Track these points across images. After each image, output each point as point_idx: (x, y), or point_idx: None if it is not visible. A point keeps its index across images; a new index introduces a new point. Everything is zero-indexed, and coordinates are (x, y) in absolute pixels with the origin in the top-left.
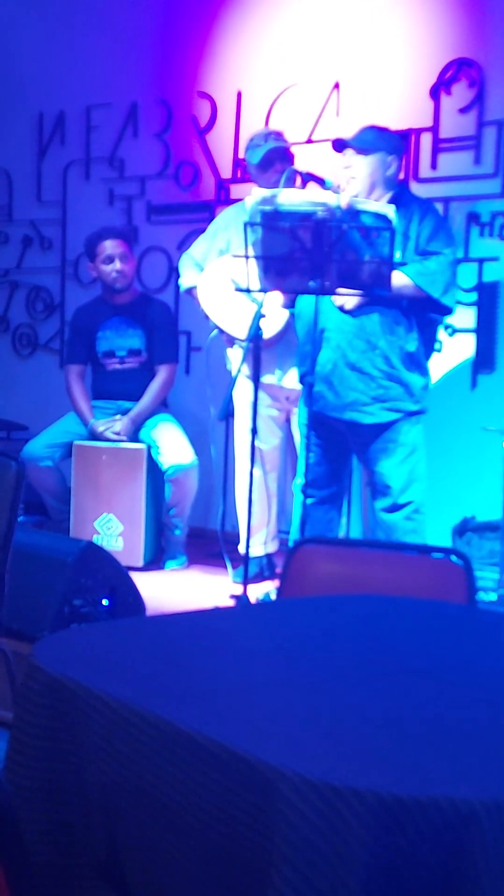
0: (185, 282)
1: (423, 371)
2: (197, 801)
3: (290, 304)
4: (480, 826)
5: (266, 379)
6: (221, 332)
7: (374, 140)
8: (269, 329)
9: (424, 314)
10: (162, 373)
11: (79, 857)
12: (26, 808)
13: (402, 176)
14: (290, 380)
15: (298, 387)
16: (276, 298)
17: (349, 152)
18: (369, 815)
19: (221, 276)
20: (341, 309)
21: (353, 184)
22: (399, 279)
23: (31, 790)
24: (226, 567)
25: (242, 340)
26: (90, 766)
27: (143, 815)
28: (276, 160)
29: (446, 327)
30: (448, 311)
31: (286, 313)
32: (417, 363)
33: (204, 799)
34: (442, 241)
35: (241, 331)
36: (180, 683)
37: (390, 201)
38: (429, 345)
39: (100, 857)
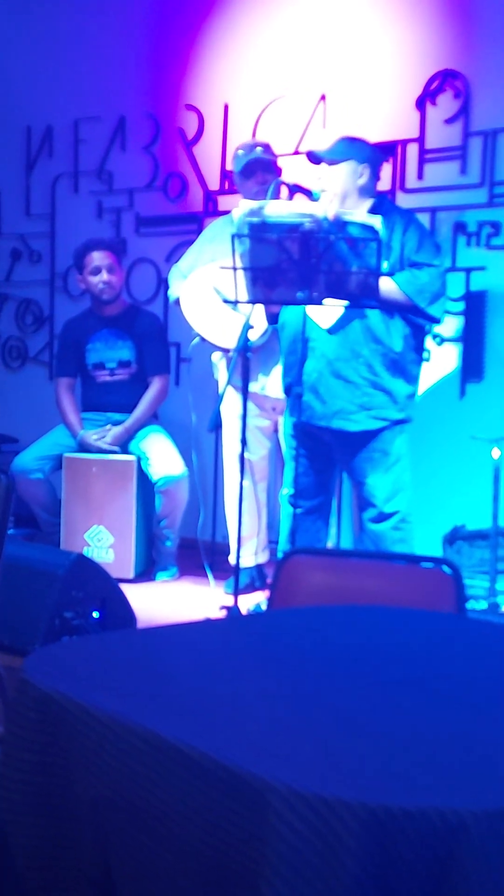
0: (173, 293)
1: (409, 378)
2: (187, 814)
3: (274, 320)
4: (470, 836)
5: (250, 388)
6: (203, 340)
7: (344, 150)
8: (252, 336)
9: (410, 321)
10: (155, 384)
11: (69, 870)
12: (16, 822)
13: (384, 186)
14: (273, 388)
15: (283, 396)
16: (258, 311)
17: (322, 164)
18: (359, 826)
19: (204, 286)
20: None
21: (325, 194)
22: (388, 285)
23: (21, 804)
24: (217, 578)
25: (226, 351)
26: (81, 780)
27: (133, 829)
28: (258, 170)
29: (434, 336)
30: (436, 320)
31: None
32: (402, 370)
33: (194, 812)
34: (429, 252)
35: (223, 339)
36: (171, 696)
37: (370, 211)
38: (416, 352)
39: (90, 870)
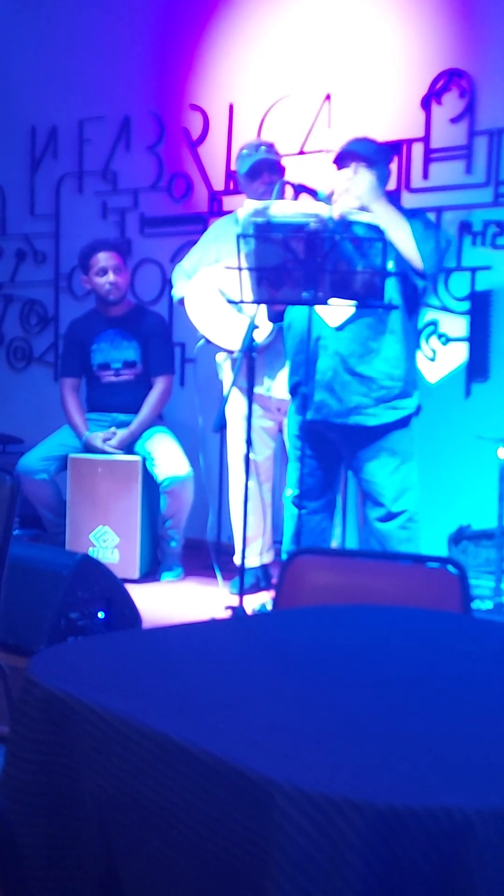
0: (176, 293)
1: (415, 370)
2: (193, 813)
3: (276, 318)
4: (476, 835)
5: (255, 389)
6: (209, 341)
7: (377, 152)
8: (258, 337)
9: (410, 319)
10: (159, 384)
11: (75, 869)
12: (22, 822)
13: (389, 186)
14: (279, 389)
15: (288, 397)
16: (263, 311)
17: (353, 164)
18: (365, 825)
19: (208, 286)
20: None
21: (352, 196)
22: (407, 237)
23: (27, 804)
24: (223, 579)
25: (231, 352)
26: (86, 780)
27: (139, 828)
28: (264, 170)
29: (440, 336)
30: (423, 275)
31: (272, 325)
32: (411, 359)
33: (200, 811)
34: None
35: (227, 341)
36: (176, 696)
37: None
38: (414, 345)
39: (96, 869)
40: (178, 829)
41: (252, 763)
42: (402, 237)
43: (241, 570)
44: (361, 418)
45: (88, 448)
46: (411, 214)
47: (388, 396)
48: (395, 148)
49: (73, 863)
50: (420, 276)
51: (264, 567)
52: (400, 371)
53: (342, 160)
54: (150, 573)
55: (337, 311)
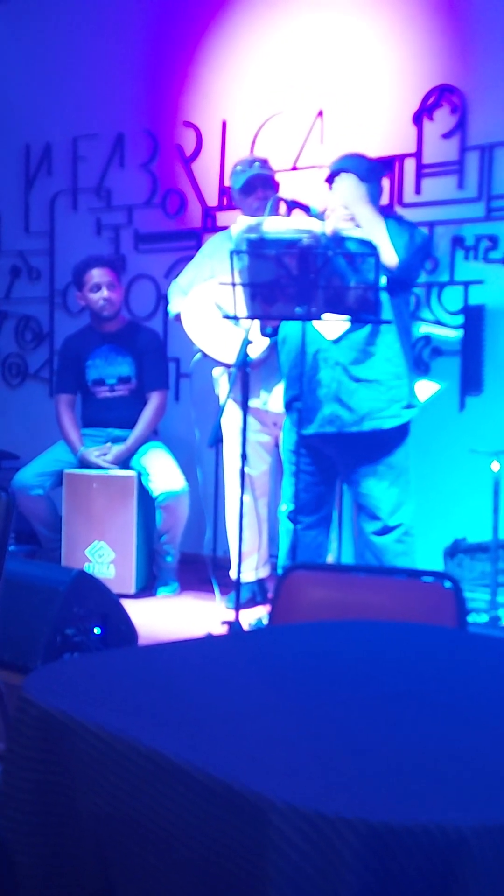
0: (173, 308)
1: (412, 366)
2: (188, 831)
3: (271, 333)
4: (471, 852)
5: (251, 403)
6: (205, 355)
7: (369, 168)
8: (253, 352)
9: (402, 315)
10: (153, 400)
11: (72, 887)
12: (19, 840)
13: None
14: (275, 403)
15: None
16: (255, 325)
17: (345, 182)
18: (360, 843)
19: (205, 302)
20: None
21: (336, 201)
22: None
23: (23, 822)
24: (219, 593)
25: (228, 366)
26: (82, 798)
27: (135, 846)
28: (258, 186)
29: (433, 350)
30: (394, 262)
31: (266, 339)
32: (408, 358)
33: (195, 829)
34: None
35: (225, 355)
36: (172, 713)
37: None
38: (410, 340)
39: (93, 887)
40: (174, 846)
41: (246, 780)
42: (378, 235)
43: (237, 584)
44: (377, 422)
45: (84, 463)
46: (386, 215)
47: (400, 395)
48: (387, 164)
49: (69, 881)
50: (388, 271)
51: (260, 582)
52: (403, 368)
53: (334, 177)
54: (146, 588)
55: (333, 324)
